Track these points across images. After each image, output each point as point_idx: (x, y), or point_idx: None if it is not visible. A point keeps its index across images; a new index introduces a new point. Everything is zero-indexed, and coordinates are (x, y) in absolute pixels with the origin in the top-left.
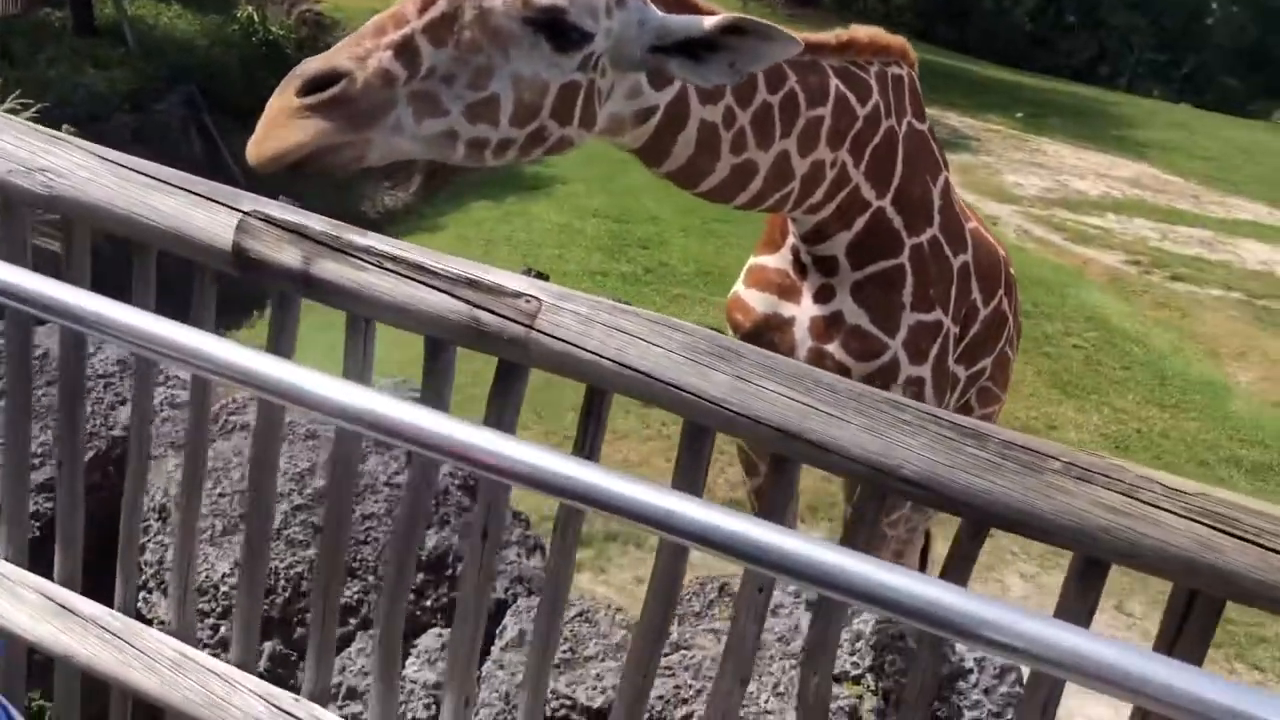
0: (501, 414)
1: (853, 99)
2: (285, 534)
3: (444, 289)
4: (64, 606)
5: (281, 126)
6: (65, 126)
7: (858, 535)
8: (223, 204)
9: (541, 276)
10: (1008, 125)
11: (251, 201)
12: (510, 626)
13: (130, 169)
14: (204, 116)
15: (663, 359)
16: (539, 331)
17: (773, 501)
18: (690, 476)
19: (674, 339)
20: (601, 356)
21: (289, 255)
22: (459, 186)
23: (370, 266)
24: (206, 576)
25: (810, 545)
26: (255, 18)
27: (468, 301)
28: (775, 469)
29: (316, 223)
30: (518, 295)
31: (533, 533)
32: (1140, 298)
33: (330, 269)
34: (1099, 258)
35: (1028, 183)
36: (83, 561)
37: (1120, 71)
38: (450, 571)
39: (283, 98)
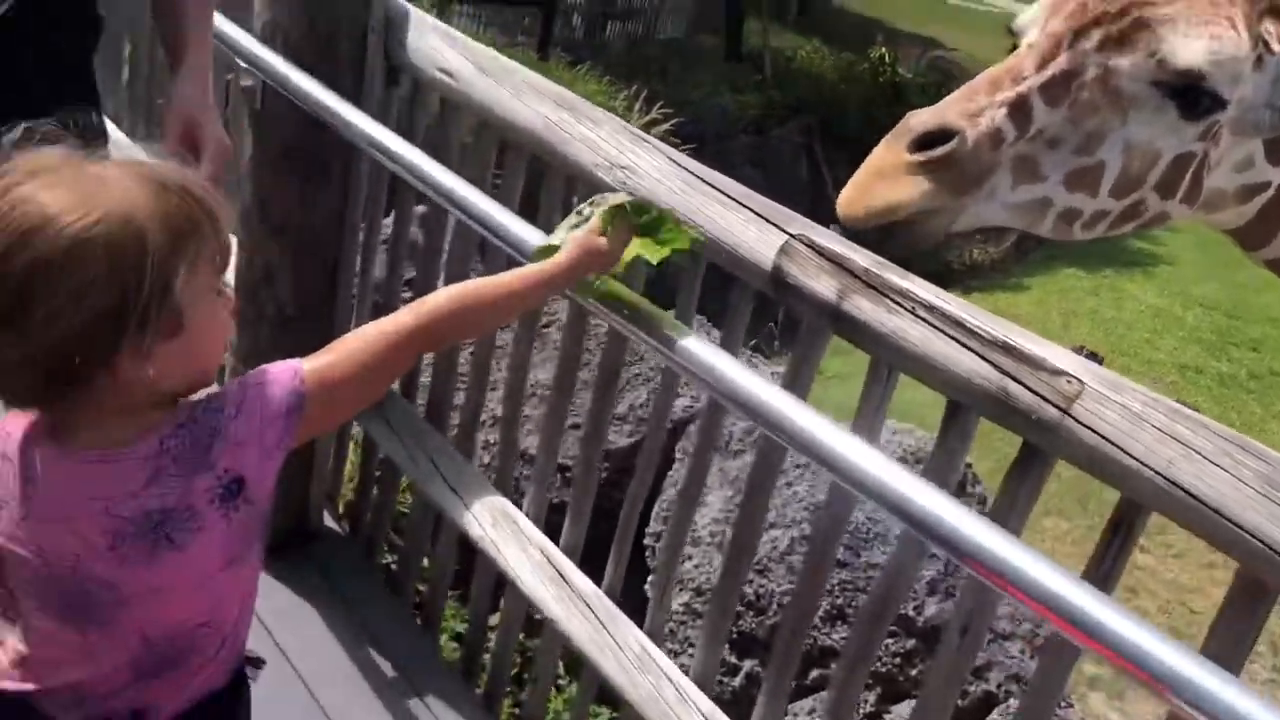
0: (1014, 504)
1: None
2: (789, 559)
3: (977, 350)
4: (560, 574)
5: (884, 180)
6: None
7: None
8: (773, 224)
9: (1095, 358)
10: None
11: (801, 225)
12: None
13: (699, 177)
14: (815, 146)
15: (1226, 486)
16: (1075, 420)
17: None
18: (1238, 641)
19: (1247, 465)
20: (1146, 465)
21: (824, 285)
22: (1052, 249)
23: (904, 311)
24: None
25: None
26: (887, 58)
27: (1000, 369)
28: None
29: (860, 256)
30: (1058, 373)
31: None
32: None
33: (863, 307)
34: None
35: None
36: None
37: None
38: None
39: (890, 151)
